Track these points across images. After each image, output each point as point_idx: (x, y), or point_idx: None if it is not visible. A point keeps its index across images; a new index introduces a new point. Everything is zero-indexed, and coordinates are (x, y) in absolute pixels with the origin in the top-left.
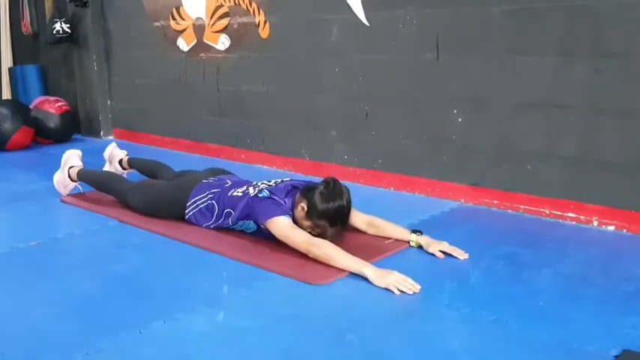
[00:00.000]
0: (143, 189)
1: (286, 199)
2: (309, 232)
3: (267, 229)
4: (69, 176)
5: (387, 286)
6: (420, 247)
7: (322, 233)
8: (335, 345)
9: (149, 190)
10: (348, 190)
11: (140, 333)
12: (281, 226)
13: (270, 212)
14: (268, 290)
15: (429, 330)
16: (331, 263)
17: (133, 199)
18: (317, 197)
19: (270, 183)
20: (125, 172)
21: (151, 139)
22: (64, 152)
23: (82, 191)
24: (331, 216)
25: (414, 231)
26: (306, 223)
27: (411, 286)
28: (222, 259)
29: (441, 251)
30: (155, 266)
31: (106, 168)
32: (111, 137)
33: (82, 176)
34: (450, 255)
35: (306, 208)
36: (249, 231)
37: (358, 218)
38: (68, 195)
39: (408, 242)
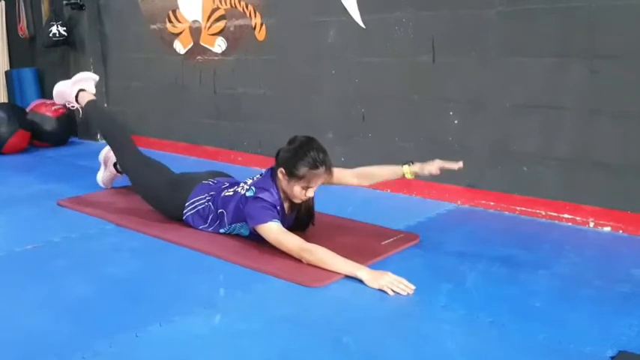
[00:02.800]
0: (148, 174)
1: (272, 184)
2: (304, 194)
3: (258, 234)
4: (76, 97)
5: (381, 288)
6: (415, 175)
7: (312, 185)
8: (331, 347)
9: (152, 178)
10: (312, 137)
11: (136, 336)
12: (272, 232)
13: (260, 218)
14: (264, 293)
15: (426, 332)
16: (325, 267)
17: (135, 178)
18: (287, 154)
19: (256, 176)
20: (120, 175)
21: (147, 142)
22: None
23: (81, 114)
24: (309, 160)
25: (406, 163)
26: (294, 185)
27: (405, 287)
28: (219, 261)
29: (438, 168)
30: (151, 269)
31: (101, 172)
32: None
33: (90, 107)
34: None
35: (284, 171)
36: (245, 235)
37: (347, 174)
38: (65, 199)
39: (404, 176)
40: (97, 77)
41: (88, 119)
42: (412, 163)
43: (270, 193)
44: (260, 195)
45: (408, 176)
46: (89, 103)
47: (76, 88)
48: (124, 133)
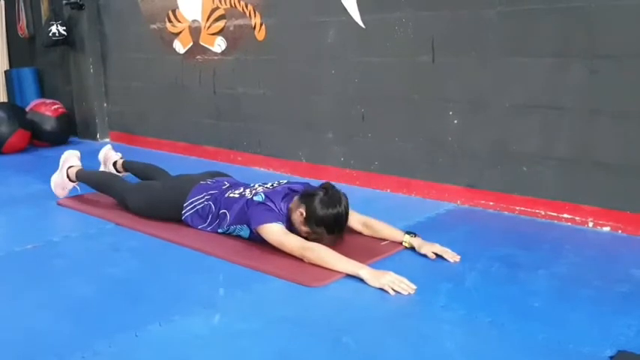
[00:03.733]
0: (141, 190)
1: (282, 203)
2: (306, 238)
3: (260, 235)
4: (67, 176)
5: (382, 287)
6: (412, 248)
7: (319, 240)
8: (331, 347)
9: (147, 191)
10: (346, 197)
11: (136, 336)
12: (274, 232)
13: (262, 219)
14: (264, 292)
15: (425, 331)
16: (326, 266)
17: (131, 200)
18: (316, 204)
19: (267, 186)
20: (120, 175)
21: (147, 142)
22: (60, 155)
23: (80, 192)
24: (330, 223)
25: (408, 232)
26: (304, 228)
27: (406, 286)
28: (219, 261)
29: (433, 252)
30: (151, 269)
31: (101, 170)
32: (107, 140)
33: (80, 176)
34: (442, 257)
35: (304, 214)
36: (244, 237)
37: (353, 218)
38: (65, 197)
39: (402, 243)
40: (78, 152)
41: (86, 184)
42: (415, 236)
43: (280, 207)
44: (268, 203)
45: (405, 245)
46: (78, 173)
47: (65, 170)
48: (115, 179)
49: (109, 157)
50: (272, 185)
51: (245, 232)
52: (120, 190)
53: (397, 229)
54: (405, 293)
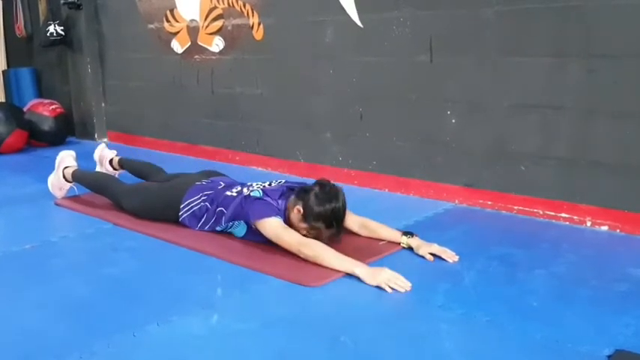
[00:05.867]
0: (137, 192)
1: (279, 201)
2: (305, 235)
3: (258, 230)
4: (63, 177)
5: (378, 284)
6: (410, 248)
7: (317, 236)
8: (329, 346)
9: (143, 193)
10: (342, 192)
11: (134, 336)
12: (272, 226)
13: (261, 212)
14: (262, 292)
15: (423, 331)
16: (322, 263)
17: (127, 202)
18: (313, 200)
19: (265, 184)
20: (116, 172)
21: (145, 142)
22: (58, 155)
23: (77, 193)
24: (327, 218)
25: (406, 233)
26: (302, 225)
27: (402, 283)
28: (216, 261)
29: (430, 254)
30: (149, 269)
31: (97, 170)
32: (105, 140)
33: (76, 177)
34: (440, 257)
35: (302, 211)
36: (238, 236)
37: (350, 219)
38: (63, 198)
39: (399, 244)
40: (73, 152)
41: (82, 185)
42: (412, 236)
43: (277, 204)
44: (266, 199)
45: (404, 245)
46: (74, 174)
47: (61, 171)
48: (111, 180)
49: (104, 155)
50: (269, 183)
51: (242, 228)
52: (115, 192)
53: (395, 230)
54: (402, 290)
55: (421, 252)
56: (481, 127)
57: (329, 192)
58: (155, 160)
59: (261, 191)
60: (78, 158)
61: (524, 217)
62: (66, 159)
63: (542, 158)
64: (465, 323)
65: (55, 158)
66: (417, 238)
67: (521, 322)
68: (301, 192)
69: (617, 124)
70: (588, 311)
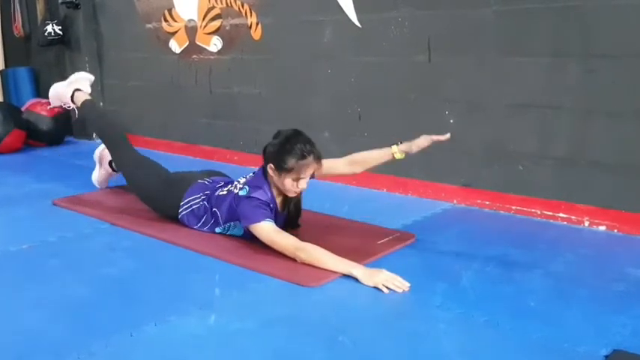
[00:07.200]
0: (145, 167)
1: (265, 182)
2: (296, 186)
3: (252, 233)
4: (72, 97)
5: (376, 285)
6: (405, 154)
7: (304, 176)
8: (327, 347)
9: (150, 171)
10: (297, 129)
11: (132, 336)
12: (265, 231)
13: (253, 217)
14: (260, 292)
15: (421, 331)
16: (319, 266)
17: (129, 171)
18: (273, 149)
19: (249, 175)
20: (116, 174)
21: (143, 141)
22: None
23: (77, 114)
24: (296, 152)
25: (393, 144)
26: (285, 179)
27: (400, 284)
28: (214, 261)
29: (424, 142)
30: (147, 269)
31: (96, 171)
32: None
33: (85, 107)
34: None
35: (273, 166)
36: (238, 235)
37: (338, 163)
38: (60, 199)
39: (393, 156)
40: (92, 77)
41: (84, 118)
42: (400, 143)
43: (264, 190)
44: (253, 194)
45: (398, 156)
46: (84, 102)
47: (72, 88)
48: (120, 132)
49: (104, 155)
50: (253, 173)
51: (239, 229)
52: (123, 154)
53: (383, 149)
54: (399, 291)
55: (415, 148)
56: (479, 127)
57: (281, 133)
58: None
59: (247, 187)
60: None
61: (522, 217)
62: (82, 81)
63: (541, 158)
64: (463, 323)
65: (53, 158)
66: (405, 143)
67: (518, 321)
68: (263, 154)
69: (616, 124)
70: (586, 311)
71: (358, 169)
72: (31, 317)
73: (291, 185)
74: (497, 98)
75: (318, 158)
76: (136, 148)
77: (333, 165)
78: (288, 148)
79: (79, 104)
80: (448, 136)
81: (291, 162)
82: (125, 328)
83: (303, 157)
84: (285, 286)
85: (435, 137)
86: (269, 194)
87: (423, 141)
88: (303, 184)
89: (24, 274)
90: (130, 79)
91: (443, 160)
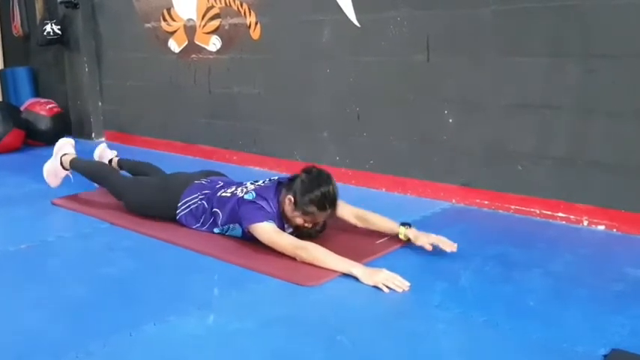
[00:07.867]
0: (136, 185)
1: (274, 197)
2: (303, 225)
3: (252, 234)
4: (61, 164)
5: (375, 284)
6: (408, 239)
7: (314, 222)
8: (326, 346)
9: (142, 186)
10: (330, 174)
11: (130, 336)
12: (265, 231)
13: (253, 217)
14: (259, 292)
15: (420, 331)
16: (319, 265)
17: (126, 196)
18: (301, 186)
19: (259, 183)
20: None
21: (142, 141)
22: (57, 143)
23: (72, 181)
24: (318, 200)
25: (403, 224)
26: (297, 214)
27: (400, 283)
28: (213, 261)
29: (430, 244)
30: (146, 269)
31: (96, 161)
32: (102, 139)
33: (75, 165)
34: (439, 252)
35: (293, 200)
36: (236, 236)
37: (346, 210)
38: (60, 196)
39: (397, 235)
40: (72, 141)
41: (79, 173)
42: (410, 227)
43: (269, 204)
44: (258, 201)
45: (402, 237)
46: (72, 162)
47: (58, 158)
48: (107, 168)
49: (104, 155)
50: (263, 182)
51: (238, 231)
52: (115, 184)
53: (392, 221)
54: (399, 290)
55: (419, 243)
56: (478, 127)
57: (316, 176)
58: (153, 159)
59: (254, 192)
60: (75, 146)
61: (521, 217)
62: (65, 147)
63: (540, 158)
64: (462, 323)
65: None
66: (414, 229)
67: (517, 321)
68: (289, 183)
69: (615, 124)
70: (585, 311)
71: (360, 225)
72: (31, 317)
73: (299, 222)
74: (497, 98)
75: (335, 210)
76: (123, 173)
77: (342, 210)
78: (316, 194)
79: (69, 166)
80: (455, 248)
81: (312, 208)
82: (124, 328)
83: (323, 208)
84: (284, 285)
85: (442, 244)
86: (274, 210)
87: (427, 242)
88: (310, 225)
89: (23, 274)
90: (128, 79)
91: (442, 159)
